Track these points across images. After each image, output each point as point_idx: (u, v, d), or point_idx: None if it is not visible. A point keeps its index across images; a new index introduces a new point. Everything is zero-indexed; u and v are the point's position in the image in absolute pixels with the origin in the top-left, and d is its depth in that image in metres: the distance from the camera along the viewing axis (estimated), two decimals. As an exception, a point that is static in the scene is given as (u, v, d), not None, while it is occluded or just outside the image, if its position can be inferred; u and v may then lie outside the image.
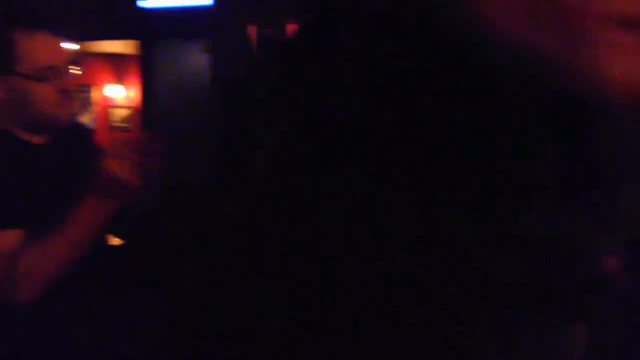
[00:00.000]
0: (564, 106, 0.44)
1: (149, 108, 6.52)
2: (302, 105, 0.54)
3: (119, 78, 8.31)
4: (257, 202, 0.54)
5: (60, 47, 1.62)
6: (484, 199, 0.47)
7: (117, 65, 8.24)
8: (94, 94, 8.59)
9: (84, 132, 1.88)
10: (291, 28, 5.60)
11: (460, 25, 0.45)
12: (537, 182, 0.46)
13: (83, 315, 1.68)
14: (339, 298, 0.49)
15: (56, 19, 1.62)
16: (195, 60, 6.35)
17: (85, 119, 8.52)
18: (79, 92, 8.73)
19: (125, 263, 1.90)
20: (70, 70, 1.61)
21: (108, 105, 8.50)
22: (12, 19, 1.56)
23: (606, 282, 0.52)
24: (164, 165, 1.61)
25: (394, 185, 0.48)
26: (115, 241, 1.91)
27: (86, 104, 8.68)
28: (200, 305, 0.55)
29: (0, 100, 1.57)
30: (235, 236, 0.55)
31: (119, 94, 8.32)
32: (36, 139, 1.65)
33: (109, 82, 8.39)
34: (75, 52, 8.05)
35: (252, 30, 5.74)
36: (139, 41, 6.58)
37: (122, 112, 8.38)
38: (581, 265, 0.50)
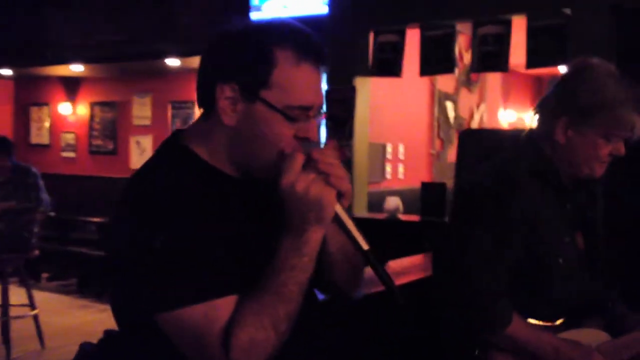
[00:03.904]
0: None
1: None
2: None
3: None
4: None
5: (321, 85, 1.30)
6: None
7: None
8: (197, 110, 8.45)
9: None
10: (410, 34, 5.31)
11: None
12: None
13: None
14: None
15: (324, 49, 1.28)
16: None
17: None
18: (183, 108, 8.64)
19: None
20: None
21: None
22: (279, 34, 1.26)
23: None
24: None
25: None
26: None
27: (189, 120, 8.59)
28: None
29: (229, 128, 1.27)
30: None
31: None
32: (239, 175, 1.33)
33: (212, 97, 8.24)
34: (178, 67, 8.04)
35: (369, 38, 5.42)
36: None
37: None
38: None
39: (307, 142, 1.27)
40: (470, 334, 1.82)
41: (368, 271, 1.33)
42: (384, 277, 1.24)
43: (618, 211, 2.97)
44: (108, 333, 2.68)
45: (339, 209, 1.25)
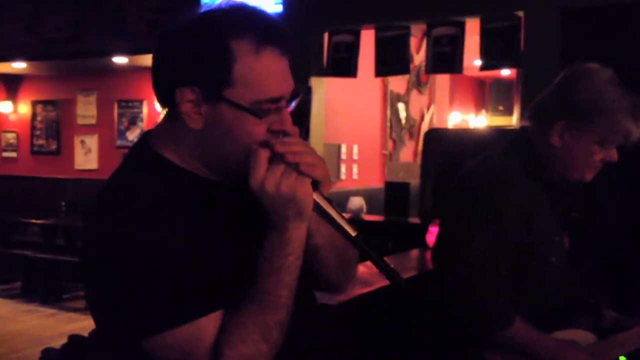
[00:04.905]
0: None
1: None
2: None
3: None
4: None
5: (288, 71, 1.19)
6: None
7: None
8: (145, 109, 8.30)
9: None
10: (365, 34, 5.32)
11: None
12: None
13: None
14: None
15: (286, 33, 1.19)
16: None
17: (136, 134, 8.24)
18: (129, 107, 8.46)
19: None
20: None
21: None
22: (232, 24, 1.15)
23: None
24: None
25: None
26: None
27: (137, 119, 8.41)
28: None
29: (197, 131, 1.18)
30: None
31: (171, 109, 8.01)
32: (215, 177, 1.24)
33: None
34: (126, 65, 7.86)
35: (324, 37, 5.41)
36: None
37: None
38: None
39: (282, 134, 1.18)
40: (471, 333, 1.81)
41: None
42: (379, 261, 1.16)
43: (608, 214, 3.02)
44: (72, 338, 2.57)
45: (318, 197, 1.16)
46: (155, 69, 1.20)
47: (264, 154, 1.13)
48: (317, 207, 1.17)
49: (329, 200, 1.18)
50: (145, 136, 1.27)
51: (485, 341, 1.80)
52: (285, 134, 1.17)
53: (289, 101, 1.20)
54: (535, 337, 1.78)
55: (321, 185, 1.17)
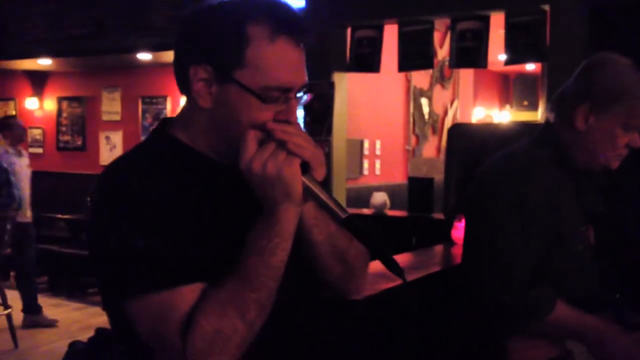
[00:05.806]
0: None
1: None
2: None
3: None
4: None
5: (302, 64, 1.19)
6: None
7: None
8: (169, 106, 8.35)
9: None
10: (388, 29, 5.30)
11: None
12: None
13: None
14: None
15: (304, 25, 1.21)
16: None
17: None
18: (154, 103, 8.52)
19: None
20: None
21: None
22: (251, 10, 1.18)
23: None
24: None
25: None
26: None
27: (160, 115, 8.47)
28: None
29: (206, 111, 1.21)
30: None
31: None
32: (223, 160, 1.26)
33: (183, 92, 8.13)
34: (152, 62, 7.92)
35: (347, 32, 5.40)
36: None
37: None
38: None
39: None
40: (510, 324, 1.81)
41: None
42: (374, 248, 1.15)
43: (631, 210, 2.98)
44: (99, 331, 2.61)
45: (307, 179, 1.15)
46: (175, 48, 1.24)
47: (254, 134, 1.15)
48: (307, 190, 1.16)
49: (319, 183, 1.17)
50: (163, 121, 1.32)
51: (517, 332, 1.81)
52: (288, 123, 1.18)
53: (300, 93, 1.21)
54: (582, 320, 1.79)
55: (313, 169, 1.16)
